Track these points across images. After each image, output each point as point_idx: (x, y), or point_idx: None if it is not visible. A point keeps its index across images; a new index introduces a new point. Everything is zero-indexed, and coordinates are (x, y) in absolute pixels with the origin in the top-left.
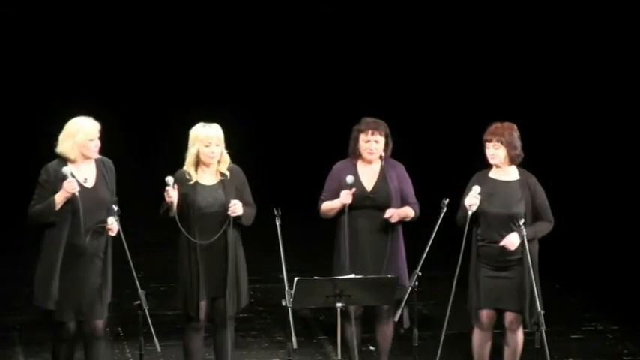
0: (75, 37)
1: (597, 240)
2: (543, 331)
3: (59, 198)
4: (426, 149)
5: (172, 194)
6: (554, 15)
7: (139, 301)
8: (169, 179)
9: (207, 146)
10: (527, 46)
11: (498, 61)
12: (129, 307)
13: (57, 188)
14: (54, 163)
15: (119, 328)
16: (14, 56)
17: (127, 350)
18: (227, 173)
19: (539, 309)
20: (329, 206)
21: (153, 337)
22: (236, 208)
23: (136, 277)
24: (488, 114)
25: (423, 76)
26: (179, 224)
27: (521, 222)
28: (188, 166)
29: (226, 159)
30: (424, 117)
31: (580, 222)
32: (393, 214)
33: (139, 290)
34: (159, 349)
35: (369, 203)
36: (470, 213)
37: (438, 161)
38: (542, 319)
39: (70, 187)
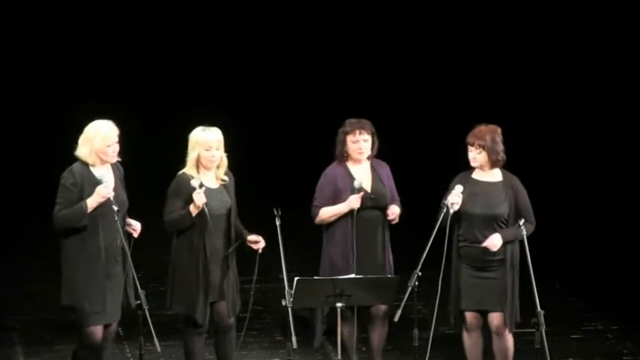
0: (73, 38)
1: (597, 240)
2: (543, 331)
3: (92, 202)
4: (426, 149)
5: (203, 197)
6: (540, 16)
7: (139, 301)
8: (196, 181)
9: (208, 150)
10: (517, 47)
11: (494, 62)
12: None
13: (84, 191)
14: (77, 166)
15: (119, 328)
16: (14, 56)
17: (127, 350)
18: (226, 178)
19: (539, 309)
20: (332, 212)
21: (153, 337)
22: (261, 244)
23: (135, 277)
24: (485, 113)
25: (425, 74)
26: (209, 223)
27: (522, 222)
28: (189, 170)
29: (225, 163)
30: (425, 116)
31: (580, 222)
32: (395, 214)
33: (139, 290)
34: (159, 349)
35: (370, 204)
36: (452, 211)
37: (437, 161)
38: (542, 319)
39: (105, 192)
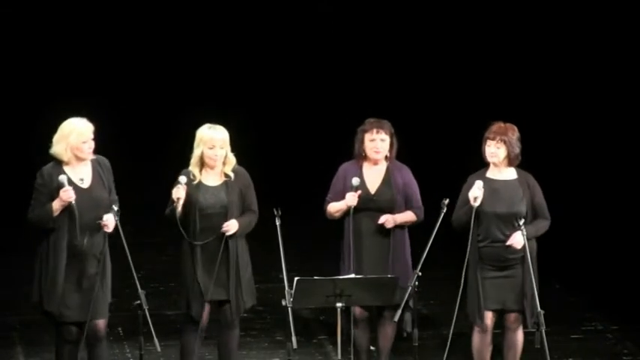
0: (76, 37)
1: (597, 240)
2: (543, 331)
3: (56, 205)
4: (426, 149)
5: (182, 193)
6: (550, 14)
7: (139, 301)
8: (183, 178)
9: (211, 149)
10: (524, 46)
11: (494, 61)
12: (129, 307)
13: (53, 192)
14: (49, 167)
15: (119, 328)
16: (14, 56)
17: (127, 350)
18: (231, 174)
19: (538, 309)
20: (335, 208)
21: (153, 337)
22: (230, 226)
23: (136, 277)
24: (486, 113)
25: (422, 75)
26: (179, 225)
27: (522, 222)
28: (193, 167)
29: (231, 160)
30: (424, 117)
31: (580, 222)
32: (387, 219)
33: (139, 290)
34: (159, 349)
35: (371, 205)
36: (475, 205)
37: (437, 161)
38: (542, 319)
39: (65, 196)
